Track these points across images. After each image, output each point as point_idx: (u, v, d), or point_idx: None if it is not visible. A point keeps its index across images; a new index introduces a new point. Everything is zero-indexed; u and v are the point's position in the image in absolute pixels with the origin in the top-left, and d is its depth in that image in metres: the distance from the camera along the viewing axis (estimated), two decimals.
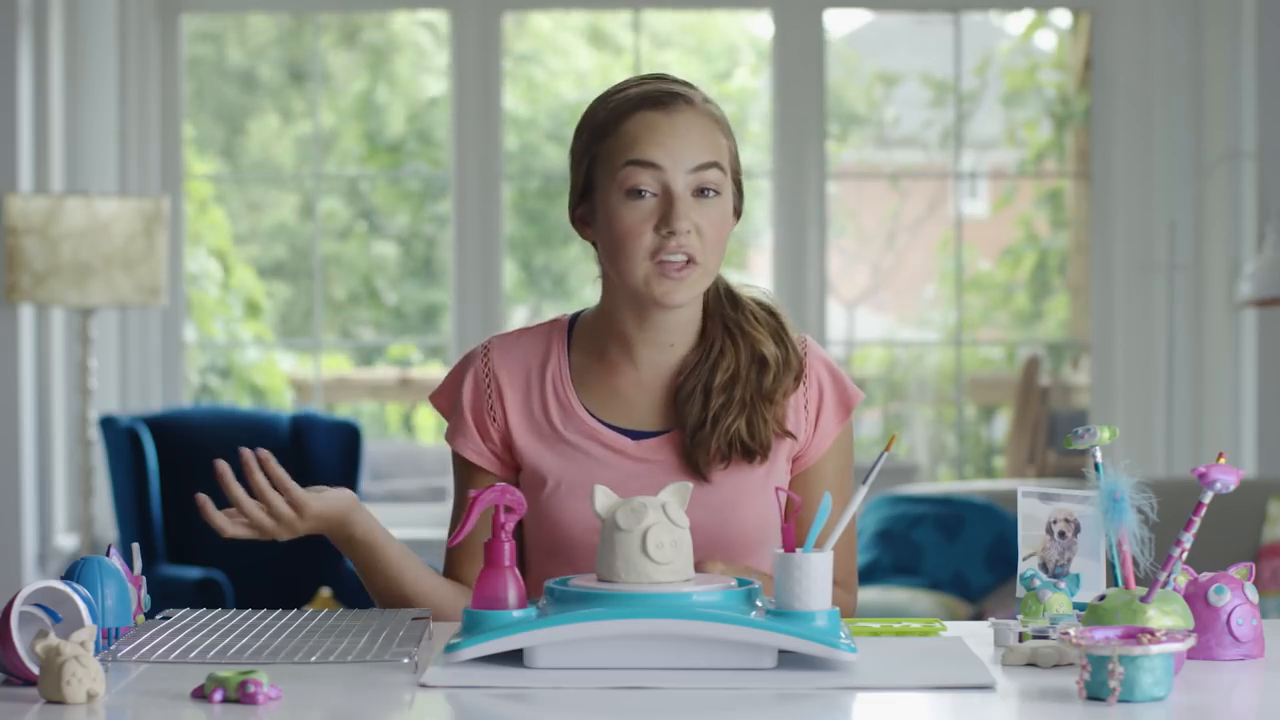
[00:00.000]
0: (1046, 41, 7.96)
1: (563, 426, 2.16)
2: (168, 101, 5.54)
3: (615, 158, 2.10)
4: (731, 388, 2.14)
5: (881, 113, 8.47)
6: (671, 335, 2.16)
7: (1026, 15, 7.75)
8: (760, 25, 8.17)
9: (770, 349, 2.16)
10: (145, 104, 5.48)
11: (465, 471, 2.22)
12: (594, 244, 2.17)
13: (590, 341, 2.19)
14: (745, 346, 2.16)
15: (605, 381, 2.18)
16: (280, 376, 7.81)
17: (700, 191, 2.09)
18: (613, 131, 2.11)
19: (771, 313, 2.21)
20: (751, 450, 2.13)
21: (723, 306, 2.19)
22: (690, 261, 2.08)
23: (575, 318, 2.24)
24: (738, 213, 2.20)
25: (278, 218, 8.35)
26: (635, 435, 2.16)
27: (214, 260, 7.72)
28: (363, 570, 2.15)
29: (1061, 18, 7.27)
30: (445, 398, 2.24)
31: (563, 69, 8.47)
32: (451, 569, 2.21)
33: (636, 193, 2.08)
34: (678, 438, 2.15)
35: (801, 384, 2.18)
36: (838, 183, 7.62)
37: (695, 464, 2.13)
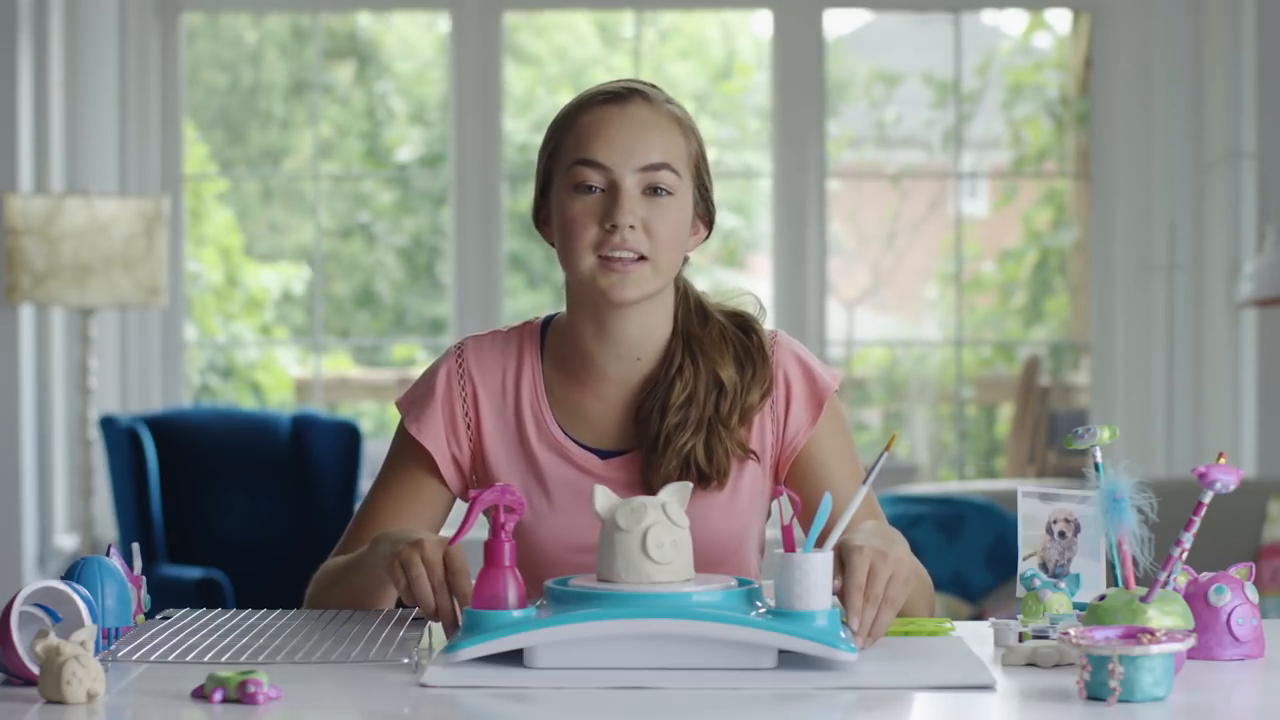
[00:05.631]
0: (1046, 41, 7.96)
1: (535, 440, 2.14)
2: (168, 101, 5.54)
3: (567, 153, 2.08)
4: (687, 407, 2.10)
5: (882, 112, 8.46)
6: (635, 348, 2.12)
7: (1026, 15, 7.75)
8: (760, 25, 8.17)
9: (729, 374, 2.12)
10: (145, 104, 5.48)
11: (405, 465, 2.16)
12: (554, 245, 2.14)
13: (560, 352, 2.16)
14: (705, 369, 2.12)
15: (574, 396, 2.15)
16: (281, 375, 7.81)
17: (652, 190, 2.06)
18: (568, 126, 2.09)
19: (745, 330, 2.16)
20: (706, 475, 2.09)
21: (690, 322, 2.15)
22: (640, 259, 2.05)
23: (547, 323, 2.20)
24: (708, 224, 2.16)
25: (291, 232, 8.35)
26: (603, 454, 2.13)
27: (220, 260, 7.72)
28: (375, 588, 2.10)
29: (1061, 18, 7.27)
30: (411, 395, 2.20)
31: (567, 70, 8.48)
32: (358, 539, 2.15)
33: (585, 188, 2.05)
34: (640, 457, 2.13)
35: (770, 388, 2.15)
36: (838, 182, 7.62)
37: (650, 485, 2.09)
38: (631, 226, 2.04)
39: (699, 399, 2.11)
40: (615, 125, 2.06)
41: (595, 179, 2.05)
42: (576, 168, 2.06)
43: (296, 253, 8.16)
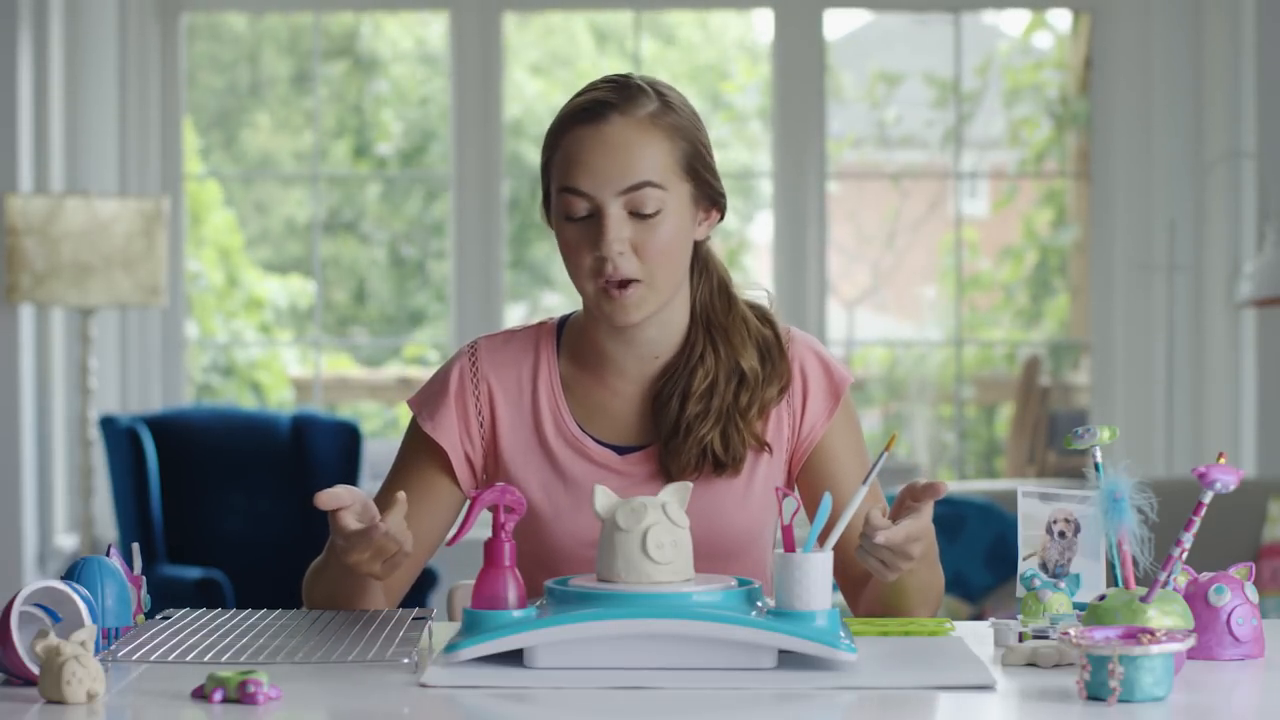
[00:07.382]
0: (1046, 41, 7.96)
1: (552, 438, 2.13)
2: (168, 101, 5.54)
3: (556, 176, 2.07)
4: (709, 396, 2.10)
5: (882, 112, 8.46)
6: (653, 347, 2.13)
7: (1026, 15, 7.75)
8: (760, 25, 8.17)
9: (751, 363, 2.12)
10: (145, 104, 5.48)
11: (417, 463, 2.16)
12: None
13: (576, 350, 2.16)
14: (727, 357, 2.12)
15: (592, 393, 2.15)
16: (281, 374, 7.81)
17: (637, 210, 2.04)
18: (556, 145, 2.07)
19: (765, 321, 2.17)
20: (723, 463, 2.10)
21: (712, 307, 2.15)
22: (632, 282, 2.04)
23: (563, 322, 2.20)
24: (719, 208, 2.14)
25: (283, 217, 8.35)
26: (620, 450, 2.13)
27: (219, 260, 7.72)
28: (351, 581, 2.09)
29: (1061, 18, 7.27)
30: (424, 394, 2.19)
31: (569, 70, 8.48)
32: None
33: (574, 214, 2.05)
34: (658, 450, 2.13)
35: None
36: (838, 182, 7.62)
37: (669, 475, 2.09)
38: (621, 253, 2.03)
39: (720, 388, 2.11)
40: (589, 149, 2.03)
41: (580, 207, 2.04)
42: (563, 195, 2.05)
43: (294, 256, 8.15)
